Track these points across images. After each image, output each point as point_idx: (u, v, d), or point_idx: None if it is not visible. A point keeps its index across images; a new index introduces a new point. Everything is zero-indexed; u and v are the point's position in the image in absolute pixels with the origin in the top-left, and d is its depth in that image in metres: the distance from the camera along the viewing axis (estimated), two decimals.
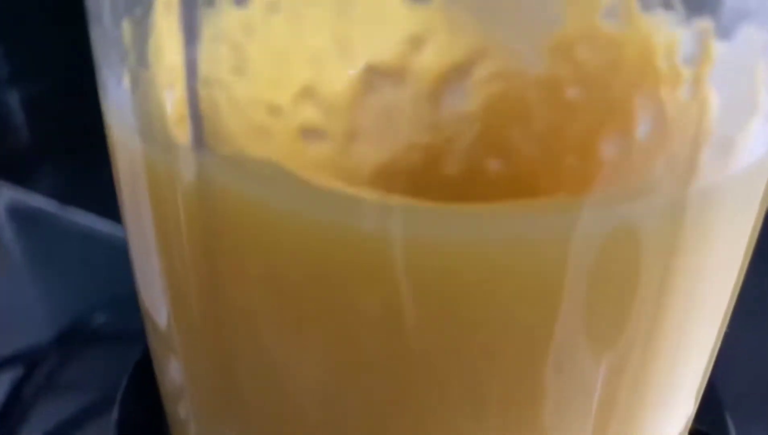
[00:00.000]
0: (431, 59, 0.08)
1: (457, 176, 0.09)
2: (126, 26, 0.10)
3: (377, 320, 0.10)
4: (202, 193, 0.10)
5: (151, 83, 0.10)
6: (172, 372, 0.15)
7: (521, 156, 0.08)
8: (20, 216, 0.48)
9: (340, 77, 0.09)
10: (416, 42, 0.08)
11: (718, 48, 0.09)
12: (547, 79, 0.08)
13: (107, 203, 0.50)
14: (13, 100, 0.45)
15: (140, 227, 0.12)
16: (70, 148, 0.46)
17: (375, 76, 0.08)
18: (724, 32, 0.09)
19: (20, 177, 0.48)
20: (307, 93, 0.09)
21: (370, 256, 0.09)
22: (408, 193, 0.09)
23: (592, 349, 0.11)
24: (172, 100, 0.09)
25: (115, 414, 0.18)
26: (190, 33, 0.09)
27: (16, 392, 0.35)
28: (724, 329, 0.14)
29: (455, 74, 0.08)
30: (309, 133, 0.09)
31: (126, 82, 0.10)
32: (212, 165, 0.09)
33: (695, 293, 0.12)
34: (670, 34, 0.09)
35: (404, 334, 0.10)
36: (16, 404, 0.34)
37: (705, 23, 0.09)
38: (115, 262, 0.44)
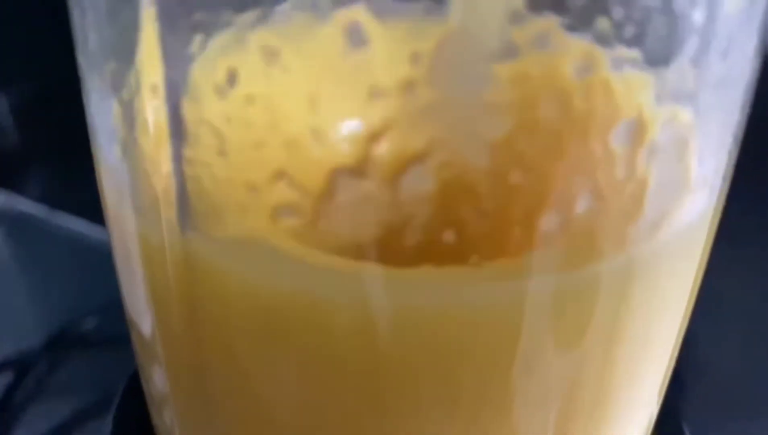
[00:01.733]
0: (391, 147, 0.09)
1: (417, 246, 0.10)
2: (115, 106, 0.11)
3: (351, 365, 0.11)
4: (185, 258, 0.11)
5: (139, 157, 0.11)
6: (157, 381, 0.16)
7: (472, 229, 0.09)
8: (9, 220, 0.48)
9: (311, 160, 0.09)
10: (377, 133, 0.09)
11: (652, 131, 0.10)
12: (492, 166, 0.09)
13: (96, 208, 0.50)
14: (2, 104, 0.45)
15: (127, 266, 0.13)
16: (60, 152, 0.47)
17: (342, 160, 0.09)
18: (657, 116, 0.10)
19: (9, 181, 0.49)
20: (281, 174, 0.10)
21: (341, 317, 0.10)
22: (375, 261, 0.10)
23: (552, 369, 0.12)
24: (159, 175, 0.10)
25: (109, 427, 0.19)
26: (175, 117, 0.10)
27: (6, 397, 0.35)
28: (681, 338, 0.15)
29: (413, 161, 0.09)
30: (282, 209, 0.10)
31: (117, 150, 0.11)
32: (195, 240, 0.10)
33: (644, 334, 0.13)
34: (606, 119, 0.10)
35: (376, 375, 0.11)
36: (7, 409, 0.35)
37: (640, 107, 0.10)
38: (104, 267, 0.44)
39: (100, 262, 0.47)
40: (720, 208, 0.12)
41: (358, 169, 0.09)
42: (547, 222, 0.10)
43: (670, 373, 0.16)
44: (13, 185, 0.49)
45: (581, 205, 0.10)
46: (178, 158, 0.10)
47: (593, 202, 0.10)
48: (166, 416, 0.16)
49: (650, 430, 0.17)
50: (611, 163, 0.10)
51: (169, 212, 0.10)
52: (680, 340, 0.15)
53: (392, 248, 0.10)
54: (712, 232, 0.13)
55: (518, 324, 0.11)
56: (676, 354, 0.15)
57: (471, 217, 0.09)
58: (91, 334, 0.39)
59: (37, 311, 0.42)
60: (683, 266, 0.12)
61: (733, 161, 0.12)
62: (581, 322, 0.11)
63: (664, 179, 0.10)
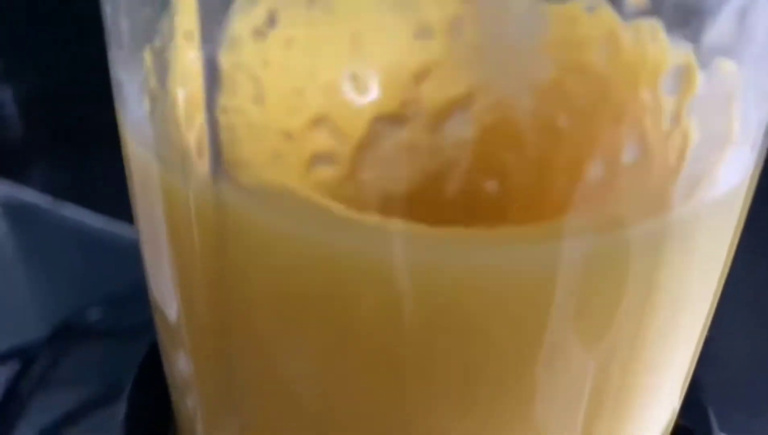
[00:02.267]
0: (435, 91, 0.09)
1: (456, 199, 0.09)
2: (147, 54, 0.10)
3: (376, 330, 0.11)
4: (215, 210, 0.10)
5: (171, 108, 0.10)
6: (180, 367, 0.15)
7: (515, 179, 0.09)
8: (14, 211, 0.48)
9: (350, 107, 0.09)
10: (421, 75, 0.09)
11: (698, 81, 0.10)
12: (538, 111, 0.09)
13: (101, 199, 0.50)
14: (6, 95, 0.45)
15: (154, 237, 0.13)
16: (64, 143, 0.47)
17: (383, 105, 0.09)
18: (703, 65, 0.10)
19: (13, 172, 0.49)
20: (319, 121, 0.09)
21: (371, 274, 0.10)
22: (410, 217, 0.10)
23: (578, 359, 0.12)
24: (191, 125, 0.10)
25: (122, 411, 0.19)
26: (211, 63, 0.09)
27: (11, 388, 0.35)
28: (707, 325, 0.15)
29: (457, 106, 0.09)
30: (319, 158, 0.09)
31: (146, 103, 0.11)
32: (227, 190, 0.10)
33: (676, 310, 0.12)
34: (654, 66, 0.10)
35: (400, 342, 0.11)
36: (12, 400, 0.35)
37: (687, 56, 0.10)
38: (109, 257, 0.44)
39: (104, 253, 0.47)
40: (759, 168, 0.12)
41: (400, 113, 0.09)
42: (592, 171, 0.09)
43: (694, 365, 0.15)
44: (18, 176, 0.49)
45: (627, 155, 0.09)
46: (212, 107, 0.10)
47: (638, 153, 0.09)
48: (189, 402, 0.16)
49: (670, 429, 0.16)
50: (658, 111, 0.09)
51: (200, 164, 0.10)
52: (707, 326, 0.15)
53: (431, 202, 0.10)
54: (749, 197, 0.13)
55: (551, 289, 0.10)
56: (701, 344, 0.15)
57: (514, 164, 0.09)
58: (96, 325, 0.39)
59: (41, 302, 0.42)
60: (720, 232, 0.12)
61: None
62: (614, 290, 0.11)
63: (707, 131, 0.10)
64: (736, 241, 0.13)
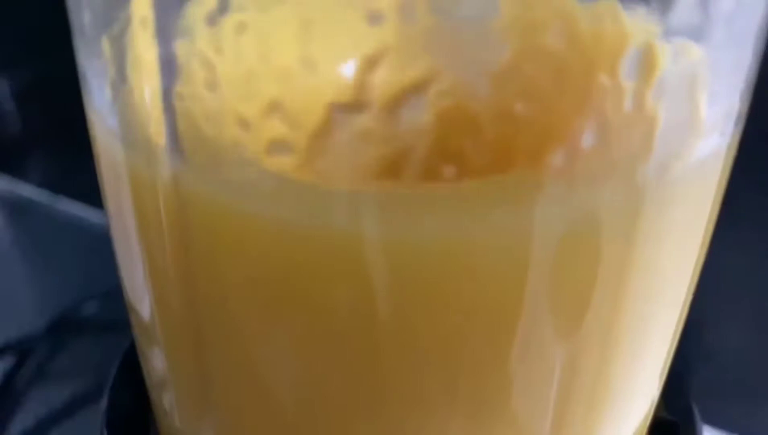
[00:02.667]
0: (389, 77, 0.09)
1: (414, 184, 0.09)
2: (105, 42, 0.10)
3: (350, 306, 0.11)
4: (179, 195, 0.10)
5: (130, 95, 0.10)
6: (156, 363, 0.15)
7: (473, 166, 0.09)
8: (10, 206, 0.48)
9: (304, 93, 0.09)
10: (375, 60, 0.09)
11: (661, 64, 0.10)
12: (494, 95, 0.09)
13: (98, 193, 0.50)
14: (3, 89, 0.45)
15: (122, 223, 0.13)
16: (61, 138, 0.47)
17: (337, 92, 0.09)
18: (667, 49, 0.10)
19: (10, 167, 0.49)
20: (274, 108, 0.09)
21: (340, 248, 0.10)
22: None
23: (555, 331, 0.12)
24: (150, 112, 0.10)
25: (103, 404, 0.19)
26: (166, 50, 0.09)
27: (8, 381, 0.35)
28: (684, 315, 0.15)
29: (411, 91, 0.09)
30: (276, 146, 0.09)
31: (107, 91, 0.11)
32: (187, 176, 0.10)
33: (652, 289, 0.12)
34: (614, 48, 0.09)
35: (376, 322, 0.11)
36: (9, 393, 0.35)
37: (649, 38, 0.10)
38: (105, 252, 0.44)
39: (100, 247, 0.47)
40: (731, 156, 0.12)
41: (354, 100, 0.09)
42: (552, 157, 0.09)
43: (672, 354, 0.15)
44: (15, 171, 0.49)
45: (587, 141, 0.09)
46: (168, 94, 0.10)
47: (601, 139, 0.09)
48: (165, 400, 0.16)
49: (650, 418, 0.16)
50: (619, 96, 0.09)
51: (160, 151, 0.10)
52: (685, 312, 0.15)
53: (388, 186, 0.09)
54: (722, 184, 0.12)
55: (522, 262, 0.10)
56: (679, 331, 0.15)
57: (472, 151, 0.09)
58: (92, 318, 0.39)
59: (38, 296, 0.42)
60: (691, 214, 0.12)
61: (745, 108, 0.12)
62: (588, 268, 0.11)
63: (673, 117, 0.10)
64: (713, 222, 0.13)
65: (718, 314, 0.28)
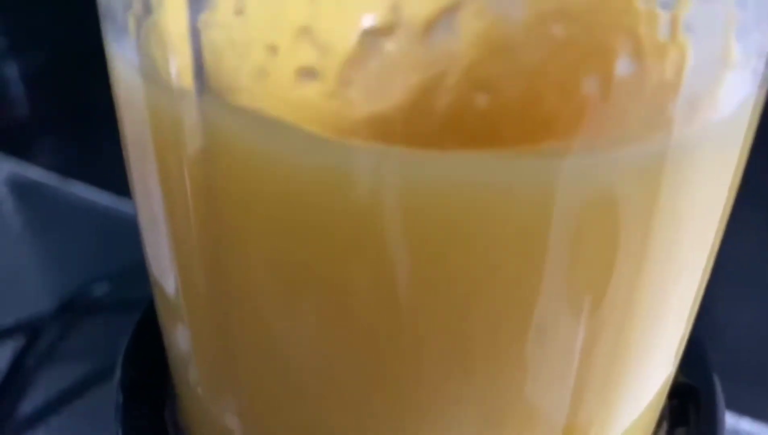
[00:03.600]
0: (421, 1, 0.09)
1: (445, 115, 0.09)
2: None
3: (370, 268, 0.11)
4: (203, 132, 0.10)
5: (154, 27, 0.10)
6: (179, 336, 0.15)
7: (507, 91, 0.09)
8: (21, 189, 0.48)
9: (335, 18, 0.09)
10: None
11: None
12: (531, 17, 0.09)
13: (107, 176, 0.50)
14: (13, 72, 0.45)
15: (144, 174, 0.13)
16: (70, 121, 0.47)
17: (369, 16, 0.09)
18: None
19: (21, 150, 0.49)
20: (304, 32, 0.09)
21: (362, 200, 0.10)
22: (397, 134, 0.09)
23: (576, 295, 0.12)
24: (175, 43, 0.10)
25: (117, 375, 0.19)
26: None
27: (19, 360, 0.35)
28: (704, 284, 0.14)
29: (444, 13, 0.09)
30: (305, 73, 0.09)
31: (130, 22, 0.11)
32: (213, 110, 0.10)
33: (674, 245, 0.12)
34: None
35: (394, 286, 0.11)
36: (20, 372, 0.35)
37: None
38: (115, 233, 0.44)
39: (110, 229, 0.48)
40: (761, 101, 0.12)
41: (386, 23, 0.09)
42: (587, 83, 0.09)
43: (692, 322, 0.15)
44: (24, 154, 0.49)
45: (621, 68, 0.09)
46: (195, 24, 0.09)
47: (634, 64, 0.09)
48: (188, 374, 0.16)
49: (668, 387, 0.16)
50: (653, 20, 0.09)
51: (185, 85, 0.10)
52: (705, 279, 0.14)
53: (419, 118, 0.09)
54: (751, 133, 0.12)
55: (546, 212, 0.10)
56: (699, 297, 0.15)
57: (506, 76, 0.09)
58: (102, 299, 0.39)
59: (48, 277, 0.42)
60: (720, 161, 0.12)
61: None
62: (612, 218, 0.11)
63: (704, 50, 0.10)
64: (737, 182, 0.13)
65: (727, 297, 0.28)
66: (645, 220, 0.11)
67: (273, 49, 0.09)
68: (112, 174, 0.45)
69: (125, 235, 0.44)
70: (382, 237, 0.10)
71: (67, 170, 0.47)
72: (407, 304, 0.11)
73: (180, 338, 0.15)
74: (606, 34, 0.09)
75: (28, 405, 0.34)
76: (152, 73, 0.10)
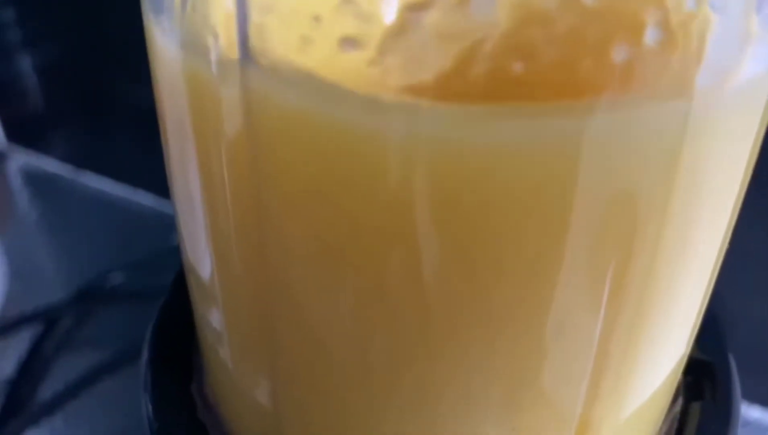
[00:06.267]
0: None
1: (482, 81, 0.10)
2: None
3: (408, 239, 0.11)
4: (248, 104, 0.10)
5: (200, 2, 0.11)
6: (213, 318, 0.16)
7: (542, 58, 0.09)
8: (36, 180, 0.48)
9: None
10: None
11: None
12: None
13: (121, 167, 0.51)
14: (27, 64, 0.46)
15: (183, 156, 0.13)
16: (85, 112, 0.47)
17: None
18: None
19: (35, 142, 0.49)
20: (347, 3, 0.09)
21: (398, 159, 0.10)
22: (437, 100, 0.10)
23: (596, 267, 0.12)
24: (221, 16, 0.10)
25: (145, 353, 0.19)
26: None
27: (36, 348, 0.36)
28: (720, 261, 0.15)
29: None
30: (347, 42, 0.10)
31: (175, 1, 0.11)
32: (256, 78, 0.10)
33: (695, 211, 0.12)
34: None
35: (429, 256, 0.11)
36: (37, 359, 0.35)
37: None
38: (129, 224, 0.45)
39: (124, 220, 0.48)
40: None
41: None
42: (619, 50, 0.09)
43: (708, 298, 0.15)
44: (39, 146, 0.49)
45: (650, 37, 0.10)
46: None
47: (662, 35, 0.10)
48: (221, 354, 0.16)
49: (682, 365, 0.16)
50: None
51: (231, 55, 0.10)
52: (722, 254, 0.15)
53: (458, 85, 0.10)
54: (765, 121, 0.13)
55: (574, 169, 0.10)
56: (716, 273, 0.15)
57: (542, 45, 0.09)
58: (117, 288, 0.39)
59: (64, 267, 0.43)
60: (739, 132, 0.12)
61: None
62: (635, 181, 0.11)
63: (726, 20, 0.10)
64: (754, 156, 0.13)
65: (738, 286, 0.28)
66: (666, 186, 0.11)
67: (317, 19, 0.10)
68: (126, 165, 0.45)
69: (139, 225, 0.44)
70: (421, 200, 0.10)
71: (81, 162, 0.48)
72: (437, 275, 0.11)
73: (213, 317, 0.16)
74: (635, 4, 0.09)
75: (47, 390, 0.35)
76: (196, 48, 0.11)
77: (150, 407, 0.17)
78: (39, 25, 0.46)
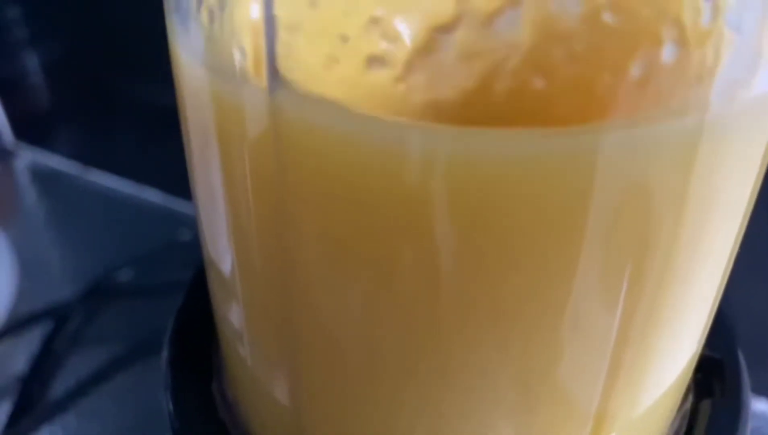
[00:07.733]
0: None
1: (504, 100, 0.10)
2: None
3: (429, 244, 0.11)
4: (275, 123, 0.11)
5: (228, 18, 0.11)
6: (233, 320, 0.16)
7: (563, 74, 0.10)
8: (43, 177, 0.49)
9: (404, 8, 0.10)
10: None
11: None
12: (586, 8, 0.09)
13: (128, 164, 0.51)
14: (33, 62, 0.46)
15: (208, 166, 0.13)
16: (91, 110, 0.47)
17: (436, 7, 0.10)
18: None
19: (42, 139, 0.49)
20: (375, 22, 0.10)
21: (420, 175, 0.10)
22: (460, 117, 0.10)
23: (610, 271, 0.12)
24: (249, 35, 0.11)
25: (165, 353, 0.19)
26: None
27: (47, 345, 0.36)
28: (731, 262, 0.15)
29: (507, 7, 0.09)
30: (374, 60, 0.10)
31: (203, 16, 0.11)
32: (283, 98, 0.10)
33: (707, 221, 0.13)
34: None
35: (448, 259, 0.11)
36: (48, 356, 0.36)
37: None
38: (136, 221, 0.45)
39: (132, 217, 0.48)
40: None
41: (454, 14, 0.09)
42: (634, 68, 0.10)
43: (720, 295, 0.16)
44: (46, 143, 0.49)
45: (667, 53, 0.10)
46: (270, 15, 0.10)
47: (679, 50, 0.10)
48: (240, 350, 0.16)
49: (695, 362, 0.17)
50: (697, 9, 0.10)
51: (258, 72, 0.11)
52: (733, 256, 0.15)
53: (480, 103, 0.10)
54: None
55: (590, 186, 0.11)
56: (728, 271, 0.15)
57: (562, 62, 0.10)
58: (126, 285, 0.40)
59: (72, 264, 0.43)
60: (751, 142, 0.12)
61: None
62: (650, 191, 0.11)
63: (741, 36, 0.10)
64: (765, 166, 0.13)
65: (744, 280, 0.28)
66: (679, 195, 0.12)
67: (344, 38, 0.10)
68: (133, 162, 0.46)
69: (146, 222, 0.45)
70: (442, 212, 0.11)
71: (88, 159, 0.48)
72: (455, 276, 0.12)
73: (234, 316, 0.16)
74: (653, 22, 0.10)
75: (58, 387, 0.35)
76: (222, 65, 0.11)
77: (171, 406, 0.18)
78: (45, 23, 0.46)
